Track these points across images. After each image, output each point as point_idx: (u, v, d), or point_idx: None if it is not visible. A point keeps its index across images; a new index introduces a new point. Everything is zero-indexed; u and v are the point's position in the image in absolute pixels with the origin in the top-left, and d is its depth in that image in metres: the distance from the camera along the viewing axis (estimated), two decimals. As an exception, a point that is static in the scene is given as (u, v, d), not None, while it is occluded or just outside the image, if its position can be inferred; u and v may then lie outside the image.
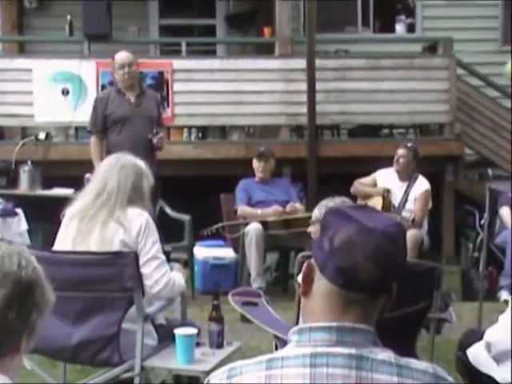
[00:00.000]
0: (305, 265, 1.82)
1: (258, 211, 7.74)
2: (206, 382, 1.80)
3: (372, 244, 1.72)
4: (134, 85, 7.29)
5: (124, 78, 7.19)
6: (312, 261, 1.81)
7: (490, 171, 6.57)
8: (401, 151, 7.91)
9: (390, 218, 1.84)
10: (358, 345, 1.71)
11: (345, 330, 1.72)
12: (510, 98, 10.65)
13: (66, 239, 4.08)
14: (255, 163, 8.01)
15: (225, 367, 1.79)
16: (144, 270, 3.90)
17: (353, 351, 1.69)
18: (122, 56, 7.28)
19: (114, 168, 4.10)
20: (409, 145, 7.98)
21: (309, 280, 1.80)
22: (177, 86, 9.58)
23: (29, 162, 8.90)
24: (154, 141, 7.15)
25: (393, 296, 1.80)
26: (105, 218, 3.98)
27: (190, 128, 10.03)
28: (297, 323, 3.61)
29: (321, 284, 1.77)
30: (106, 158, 4.38)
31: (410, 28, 12.61)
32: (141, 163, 4.22)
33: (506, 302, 5.95)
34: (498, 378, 3.98)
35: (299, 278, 1.85)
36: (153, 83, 9.29)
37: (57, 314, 3.91)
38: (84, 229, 4.01)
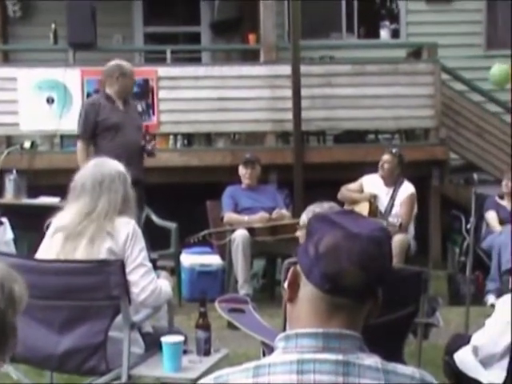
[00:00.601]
0: (290, 271, 1.81)
1: (245, 218, 7.73)
2: None
3: (357, 249, 1.72)
4: (128, 93, 7.41)
5: (130, 87, 7.30)
6: (297, 267, 1.80)
7: (475, 176, 6.57)
8: (385, 157, 7.93)
9: (375, 223, 1.84)
10: (345, 351, 1.70)
11: (331, 336, 1.72)
12: (494, 103, 10.70)
13: (49, 254, 4.04)
14: (241, 170, 8.01)
15: (211, 375, 1.78)
16: (131, 278, 3.89)
17: (340, 357, 1.69)
18: (130, 66, 7.37)
19: (102, 185, 4.02)
20: (393, 151, 7.99)
21: (294, 286, 1.80)
22: (162, 94, 9.58)
23: (14, 171, 8.87)
24: (149, 147, 7.16)
25: (379, 301, 1.80)
26: (92, 234, 3.95)
27: (175, 135, 10.02)
28: (284, 330, 3.60)
29: (306, 290, 1.77)
30: (88, 168, 4.17)
31: (395, 33, 12.65)
32: (121, 168, 4.18)
33: (493, 306, 5.95)
34: (484, 381, 3.99)
35: (285, 285, 1.85)
36: (138, 91, 9.27)
37: (43, 323, 3.91)
38: (68, 246, 3.98)
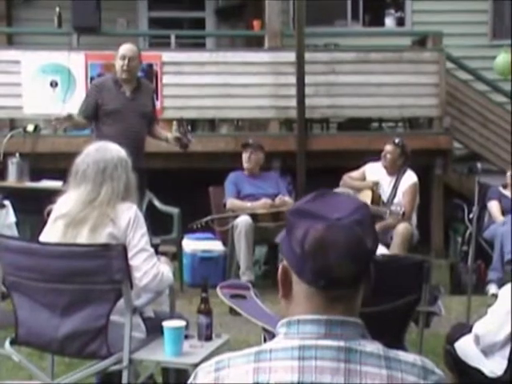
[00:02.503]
0: (280, 269, 1.79)
1: (248, 204, 7.73)
2: (193, 374, 1.78)
3: (342, 239, 1.68)
4: (131, 79, 7.16)
5: (122, 70, 7.06)
6: (286, 263, 1.78)
7: (478, 165, 6.55)
8: (388, 147, 7.90)
9: (352, 201, 1.79)
10: (347, 337, 1.70)
11: (333, 322, 1.71)
12: (499, 93, 10.67)
13: (51, 241, 4.04)
14: (243, 155, 8.02)
15: (212, 360, 1.77)
16: (133, 262, 3.88)
17: (341, 344, 1.68)
18: (126, 48, 7.14)
19: (105, 173, 4.00)
20: (396, 141, 7.95)
21: (287, 283, 1.78)
22: (166, 79, 9.56)
23: (17, 154, 8.88)
24: (185, 140, 7.11)
25: (371, 279, 1.78)
26: (94, 222, 3.93)
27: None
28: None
29: (300, 287, 1.75)
30: (90, 154, 4.11)
31: (400, 22, 12.62)
32: (123, 153, 4.16)
33: (495, 295, 5.97)
34: (486, 370, 4.00)
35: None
36: (142, 76, 9.21)
37: (45, 306, 3.91)
38: (70, 233, 3.98)
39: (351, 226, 1.70)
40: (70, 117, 6.90)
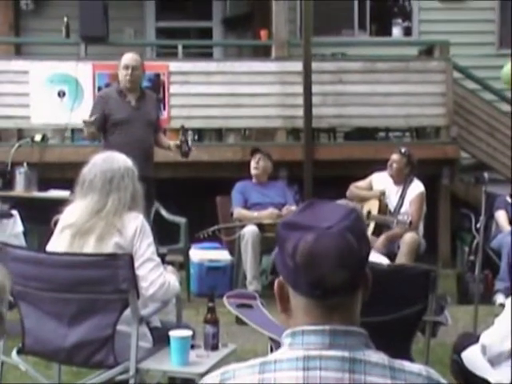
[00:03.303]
0: (276, 284, 1.79)
1: (255, 214, 7.73)
2: None
3: (333, 248, 1.69)
4: (135, 88, 7.21)
5: (125, 79, 7.11)
6: (281, 279, 1.78)
7: (486, 175, 6.54)
8: (394, 157, 7.89)
9: (340, 207, 1.80)
10: (351, 347, 1.70)
11: (338, 333, 1.71)
12: (506, 102, 10.67)
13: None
14: (251, 162, 8.04)
15: (217, 371, 1.77)
16: (139, 272, 3.89)
17: (346, 354, 1.68)
18: (129, 57, 7.18)
19: (112, 183, 4.01)
20: (402, 150, 7.93)
21: (284, 297, 1.78)
22: (173, 89, 9.59)
23: (25, 164, 8.89)
24: (186, 148, 7.13)
25: (369, 282, 1.78)
26: (101, 232, 3.95)
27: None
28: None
29: (298, 300, 1.75)
30: (97, 163, 4.12)
31: (407, 31, 12.63)
32: (130, 163, 4.16)
33: (502, 305, 5.95)
34: (492, 380, 3.98)
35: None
36: (149, 85, 9.28)
37: (52, 316, 3.92)
38: (77, 244, 3.99)
39: (341, 233, 1.70)
40: (95, 121, 6.93)
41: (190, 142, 7.28)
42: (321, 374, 1.66)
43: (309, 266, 1.69)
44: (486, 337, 4.04)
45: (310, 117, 9.43)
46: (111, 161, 4.13)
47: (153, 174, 6.94)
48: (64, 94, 9.31)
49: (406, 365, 1.73)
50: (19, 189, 8.81)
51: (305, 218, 1.76)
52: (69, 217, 4.08)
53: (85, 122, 6.92)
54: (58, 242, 4.08)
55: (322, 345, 1.70)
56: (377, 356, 1.71)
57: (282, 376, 1.67)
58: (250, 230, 7.43)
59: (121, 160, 4.16)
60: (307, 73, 9.37)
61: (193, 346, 3.95)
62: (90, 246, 3.95)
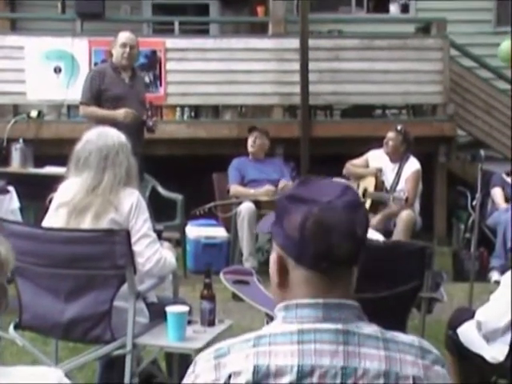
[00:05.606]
0: (274, 258, 1.79)
1: (251, 191, 7.74)
2: (193, 363, 1.77)
3: (340, 220, 1.71)
4: (130, 66, 7.36)
5: (122, 57, 7.23)
6: (280, 252, 1.78)
7: (482, 152, 6.54)
8: (390, 134, 7.88)
9: (337, 185, 1.82)
10: (345, 320, 1.72)
11: (331, 306, 1.73)
12: (503, 80, 10.65)
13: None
14: (248, 139, 8.04)
15: (211, 348, 1.77)
16: (136, 248, 3.90)
17: (339, 327, 1.70)
18: (126, 36, 7.32)
19: (107, 159, 4.01)
20: (398, 128, 7.93)
21: (283, 272, 1.78)
22: (170, 65, 9.56)
23: (21, 140, 8.88)
24: (150, 123, 7.19)
25: (360, 261, 1.80)
26: (97, 209, 3.94)
27: (182, 107, 10.02)
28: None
29: (299, 273, 1.75)
30: (91, 140, 4.10)
31: (404, 8, 12.58)
32: (124, 138, 4.16)
33: (497, 282, 5.98)
34: (487, 356, 4.01)
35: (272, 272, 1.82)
36: (145, 62, 9.26)
37: (49, 291, 3.93)
38: (73, 221, 3.98)
39: (344, 207, 1.73)
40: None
41: (153, 119, 7.32)
42: (315, 346, 1.68)
43: (318, 238, 1.70)
44: (481, 313, 4.06)
45: (307, 94, 9.41)
46: (105, 137, 4.12)
47: (142, 150, 6.94)
48: (60, 70, 9.28)
49: (399, 336, 1.76)
50: (15, 165, 8.81)
51: (304, 192, 1.78)
52: (64, 194, 4.08)
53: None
54: (54, 220, 4.07)
55: (315, 318, 1.72)
56: (370, 328, 1.73)
57: (277, 349, 1.68)
58: (246, 207, 7.44)
59: (115, 136, 4.15)
60: (304, 50, 9.34)
61: (189, 322, 3.96)
62: (86, 224, 3.95)
